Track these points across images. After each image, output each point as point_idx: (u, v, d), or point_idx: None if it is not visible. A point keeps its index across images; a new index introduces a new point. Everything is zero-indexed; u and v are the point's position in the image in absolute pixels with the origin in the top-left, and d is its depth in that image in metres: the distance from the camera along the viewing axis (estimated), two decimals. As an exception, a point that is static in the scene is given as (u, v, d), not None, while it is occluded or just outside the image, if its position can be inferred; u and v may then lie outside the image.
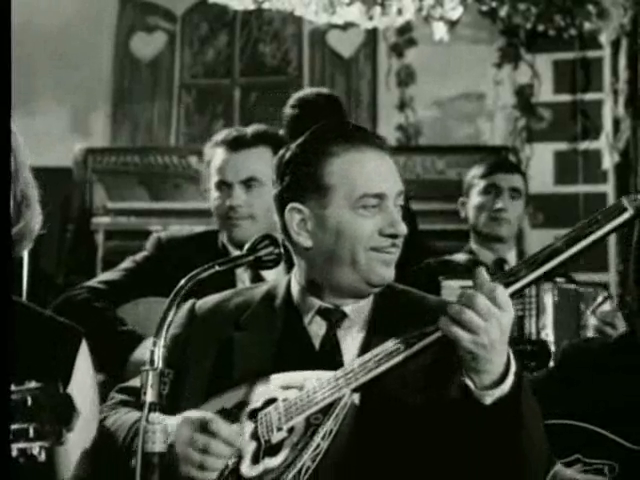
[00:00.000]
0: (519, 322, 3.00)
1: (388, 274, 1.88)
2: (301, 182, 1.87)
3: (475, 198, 3.59)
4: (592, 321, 2.95)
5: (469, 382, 1.64)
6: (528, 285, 1.70)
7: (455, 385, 1.73)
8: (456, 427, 1.69)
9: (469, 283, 3.26)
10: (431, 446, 1.73)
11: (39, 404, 1.29)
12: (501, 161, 3.93)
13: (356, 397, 1.72)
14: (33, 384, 1.31)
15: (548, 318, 2.99)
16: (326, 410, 1.71)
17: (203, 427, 1.68)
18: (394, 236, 1.85)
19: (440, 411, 1.74)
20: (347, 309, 1.90)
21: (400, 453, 1.74)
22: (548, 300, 2.98)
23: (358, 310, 1.91)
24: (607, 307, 2.99)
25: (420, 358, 1.73)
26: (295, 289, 1.94)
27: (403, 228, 1.86)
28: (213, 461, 1.67)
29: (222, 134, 2.95)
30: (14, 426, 1.28)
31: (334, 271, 1.87)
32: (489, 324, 1.60)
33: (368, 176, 1.86)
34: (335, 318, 1.89)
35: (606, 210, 1.69)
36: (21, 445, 1.28)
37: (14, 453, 1.28)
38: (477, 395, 1.63)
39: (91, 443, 1.81)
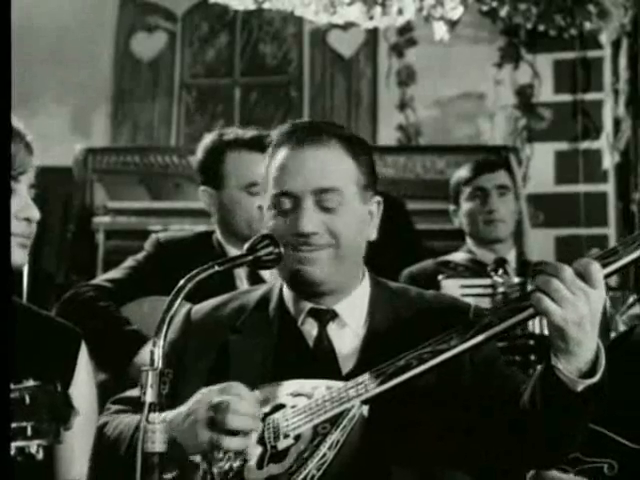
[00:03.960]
0: (540, 319, 2.98)
1: (308, 273, 1.84)
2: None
3: (464, 205, 3.56)
4: (622, 326, 2.94)
5: (561, 366, 1.62)
6: (626, 266, 1.66)
7: (460, 403, 1.75)
8: (463, 442, 1.69)
9: (468, 282, 3.28)
10: (436, 461, 1.73)
11: (37, 402, 1.29)
12: (482, 161, 3.89)
13: (365, 409, 1.72)
14: (31, 382, 1.31)
15: None
16: (334, 420, 1.70)
17: (228, 392, 1.68)
18: (299, 235, 1.82)
19: (447, 427, 1.74)
20: (338, 309, 1.90)
21: (405, 467, 1.74)
22: None
23: (351, 309, 1.90)
24: (637, 310, 2.97)
25: (431, 374, 1.72)
26: (286, 291, 1.95)
27: (306, 226, 1.81)
28: (236, 419, 1.64)
29: (232, 134, 2.91)
30: (12, 424, 1.28)
31: (279, 271, 1.90)
32: (577, 298, 1.58)
33: (279, 175, 1.86)
34: (326, 318, 1.89)
35: (625, 241, 1.66)
36: (19, 443, 1.28)
37: (12, 451, 1.28)
38: (569, 380, 1.62)
39: (94, 449, 1.81)
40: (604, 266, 1.63)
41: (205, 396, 1.69)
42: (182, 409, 1.71)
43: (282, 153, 1.87)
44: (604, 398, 1.65)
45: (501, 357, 1.94)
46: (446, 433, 1.74)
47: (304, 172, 1.84)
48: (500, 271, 3.33)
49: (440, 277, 3.30)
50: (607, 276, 1.64)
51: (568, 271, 1.59)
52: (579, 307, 1.58)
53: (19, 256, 1.72)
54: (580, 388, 1.62)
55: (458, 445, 1.73)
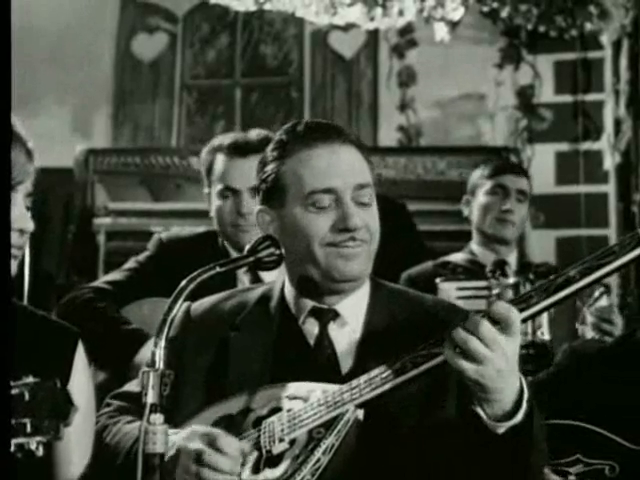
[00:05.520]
0: None
1: (349, 268, 1.84)
2: (264, 185, 1.92)
3: (481, 198, 3.55)
4: (589, 318, 2.94)
5: (480, 411, 1.62)
6: (538, 314, 1.67)
7: (452, 405, 1.75)
8: (457, 447, 1.68)
9: (465, 284, 3.28)
10: (432, 466, 1.72)
11: (37, 399, 1.29)
12: (509, 163, 3.95)
13: (360, 413, 1.71)
14: (31, 379, 1.30)
15: (543, 317, 2.99)
16: (329, 424, 1.70)
17: (210, 442, 1.67)
18: (347, 230, 1.82)
19: (441, 431, 1.73)
20: (339, 308, 1.89)
21: (401, 472, 1.73)
22: None
23: (352, 309, 1.90)
24: (604, 302, 2.98)
25: (425, 377, 1.71)
26: (288, 290, 1.94)
27: (354, 222, 1.82)
28: (214, 476, 1.65)
29: (223, 139, 2.91)
30: (12, 421, 1.28)
31: (301, 270, 1.88)
32: (494, 354, 1.57)
33: (315, 173, 1.84)
34: (327, 318, 1.89)
35: (622, 241, 1.64)
36: (19, 440, 1.28)
37: (12, 448, 1.28)
38: (489, 425, 1.62)
39: (94, 455, 1.81)
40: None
41: (190, 442, 1.68)
42: (172, 439, 1.69)
43: (307, 152, 1.87)
44: (532, 437, 1.63)
45: None
46: (439, 438, 1.73)
47: (341, 169, 1.85)
48: (498, 273, 3.33)
49: (437, 280, 3.30)
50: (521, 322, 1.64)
51: (486, 327, 1.57)
52: (496, 362, 1.57)
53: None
54: (502, 431, 1.61)
55: (452, 450, 1.72)
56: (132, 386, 1.94)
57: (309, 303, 1.90)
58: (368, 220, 1.86)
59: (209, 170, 2.90)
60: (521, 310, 1.64)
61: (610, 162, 5.90)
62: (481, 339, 1.57)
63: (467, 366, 1.58)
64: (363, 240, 1.85)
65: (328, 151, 1.86)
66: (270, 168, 1.90)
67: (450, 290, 3.24)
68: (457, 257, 3.60)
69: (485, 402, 1.61)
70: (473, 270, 3.48)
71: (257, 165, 1.96)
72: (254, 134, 2.88)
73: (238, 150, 2.83)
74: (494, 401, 1.60)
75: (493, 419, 1.61)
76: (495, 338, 1.58)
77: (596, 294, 2.99)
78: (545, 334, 2.98)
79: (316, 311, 1.90)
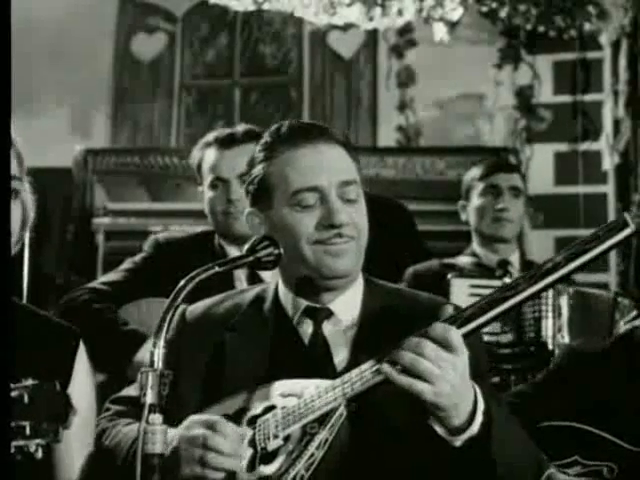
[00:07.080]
0: (536, 324, 3.00)
1: (338, 265, 1.85)
2: (251, 187, 1.94)
3: (475, 200, 3.56)
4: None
5: (437, 427, 1.63)
6: (526, 300, 1.67)
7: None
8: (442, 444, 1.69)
9: (479, 282, 3.27)
10: (424, 459, 1.72)
11: (36, 401, 1.29)
12: (498, 161, 3.94)
13: (353, 407, 1.71)
14: (30, 381, 1.31)
15: (564, 320, 2.99)
16: (322, 419, 1.70)
17: (209, 427, 1.68)
18: (333, 226, 1.83)
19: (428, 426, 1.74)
20: (333, 307, 1.90)
21: (394, 465, 1.73)
22: (564, 302, 2.99)
23: (346, 308, 1.91)
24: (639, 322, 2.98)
25: None
26: (282, 290, 1.95)
27: (340, 218, 1.83)
28: (217, 458, 1.66)
29: (211, 135, 2.99)
30: (11, 423, 1.28)
31: (293, 269, 1.89)
32: (444, 371, 1.58)
33: (299, 172, 1.86)
34: (321, 317, 1.90)
35: (607, 226, 1.65)
36: (18, 443, 1.28)
37: (11, 450, 1.28)
38: (446, 438, 1.63)
39: (92, 457, 1.81)
40: (505, 299, 1.64)
41: (190, 430, 1.70)
42: (172, 434, 1.70)
43: (291, 152, 1.89)
44: (491, 447, 1.64)
45: (490, 374, 1.94)
46: (428, 432, 1.73)
47: (326, 167, 1.87)
48: (508, 274, 3.33)
49: (449, 275, 3.30)
50: (510, 309, 1.64)
51: (430, 347, 1.59)
52: (449, 378, 1.59)
53: None
54: (459, 444, 1.63)
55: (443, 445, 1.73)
56: (131, 390, 1.94)
57: (303, 302, 1.91)
58: (355, 216, 1.87)
59: (199, 166, 2.97)
60: (509, 297, 1.65)
61: (609, 162, 5.91)
62: (427, 359, 1.58)
63: (423, 387, 1.59)
64: (350, 236, 1.86)
65: (312, 150, 1.88)
66: (257, 170, 1.92)
67: (463, 286, 3.24)
68: (462, 260, 3.59)
69: (442, 420, 1.62)
70: (479, 272, 3.48)
71: (246, 167, 1.98)
72: (239, 128, 2.97)
73: (224, 143, 2.93)
74: (450, 417, 1.61)
75: (449, 434, 1.63)
76: (440, 355, 1.59)
77: (633, 313, 3.00)
78: (565, 337, 2.99)
79: (310, 310, 1.91)
